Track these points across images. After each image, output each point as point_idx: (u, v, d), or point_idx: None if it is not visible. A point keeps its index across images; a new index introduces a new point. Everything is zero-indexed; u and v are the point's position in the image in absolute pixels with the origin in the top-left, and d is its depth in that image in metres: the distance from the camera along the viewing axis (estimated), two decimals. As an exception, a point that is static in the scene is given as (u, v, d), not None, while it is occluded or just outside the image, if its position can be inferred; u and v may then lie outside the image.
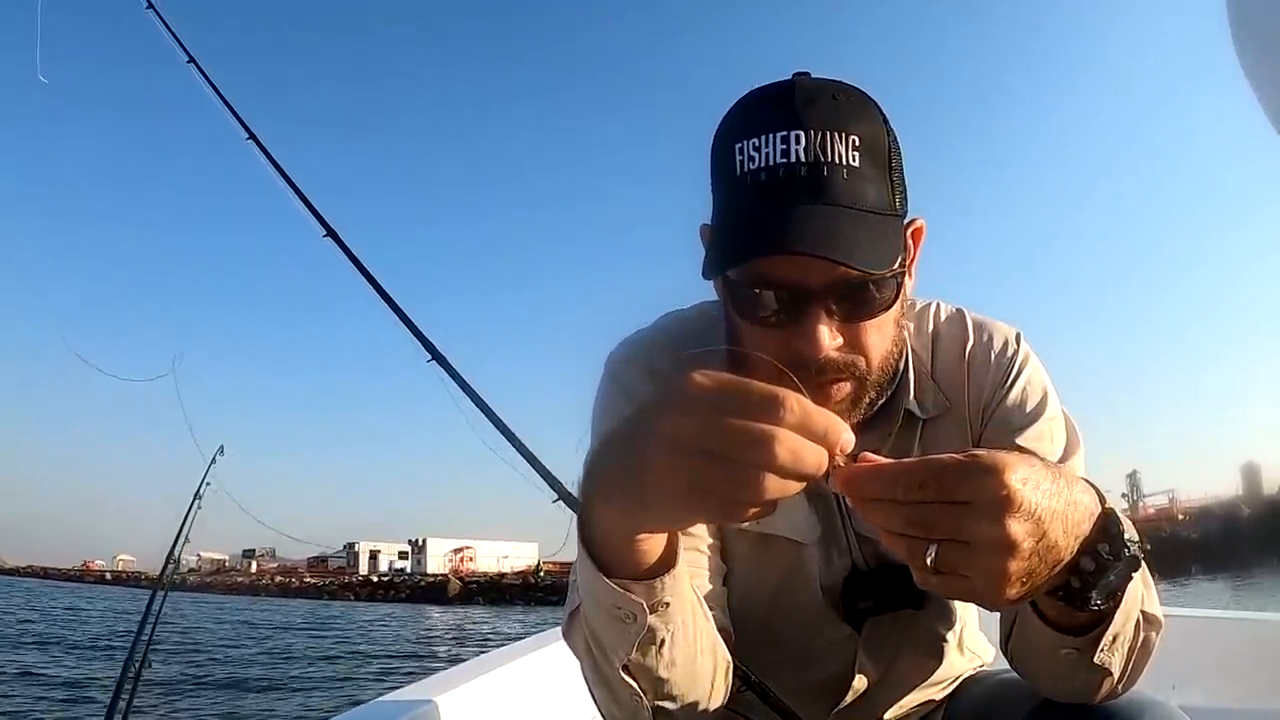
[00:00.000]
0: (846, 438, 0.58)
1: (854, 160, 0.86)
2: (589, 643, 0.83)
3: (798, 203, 0.84)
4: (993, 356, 1.08)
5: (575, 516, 0.94)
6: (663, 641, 0.79)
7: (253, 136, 1.50)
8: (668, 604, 0.76)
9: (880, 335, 0.92)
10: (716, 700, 0.91)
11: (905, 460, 0.61)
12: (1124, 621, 0.78)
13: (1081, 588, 0.69)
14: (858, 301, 0.88)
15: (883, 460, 0.61)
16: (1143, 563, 0.74)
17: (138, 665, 3.27)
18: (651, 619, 0.76)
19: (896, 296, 0.92)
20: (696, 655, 0.84)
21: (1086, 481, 0.70)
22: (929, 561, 0.61)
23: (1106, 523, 0.69)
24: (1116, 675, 0.83)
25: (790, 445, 0.56)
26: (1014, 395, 1.05)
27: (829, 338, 0.87)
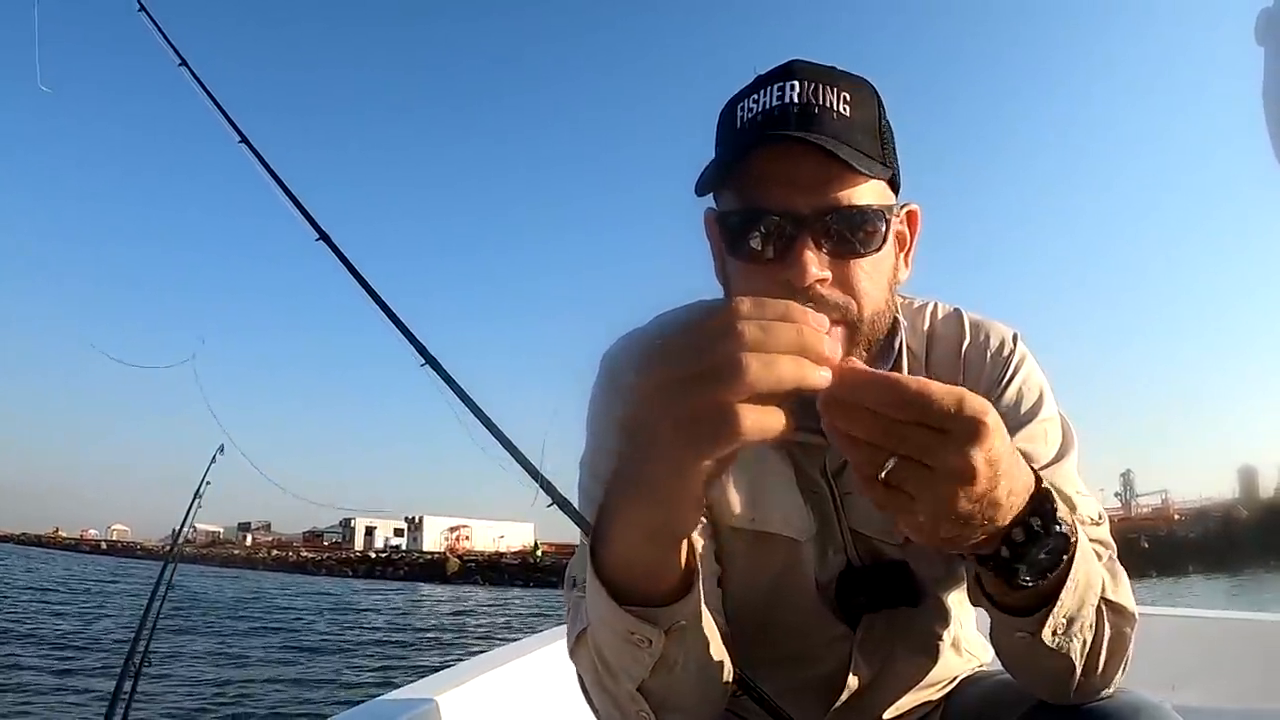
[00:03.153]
0: (816, 319, 0.58)
1: (844, 110, 0.90)
2: (596, 664, 0.84)
3: (790, 128, 0.88)
4: (989, 355, 1.08)
5: (582, 542, 0.94)
6: (675, 663, 0.80)
7: (245, 139, 1.49)
8: (683, 627, 0.78)
9: (871, 283, 0.92)
10: (719, 706, 0.92)
11: (897, 375, 0.62)
12: (1077, 605, 0.78)
13: (1010, 558, 0.71)
14: (846, 233, 0.89)
15: (872, 370, 0.62)
16: (1083, 547, 0.76)
17: (140, 656, 3.26)
18: (667, 642, 0.77)
19: (885, 239, 0.92)
20: (708, 671, 0.85)
21: (1026, 460, 0.72)
22: (883, 474, 0.62)
23: (1041, 499, 0.70)
24: (1079, 664, 0.82)
25: (753, 331, 0.56)
26: (1010, 394, 1.05)
27: (817, 265, 0.87)
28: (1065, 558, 0.73)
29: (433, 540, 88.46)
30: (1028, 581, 0.73)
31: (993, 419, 0.62)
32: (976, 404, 0.62)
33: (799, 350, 0.56)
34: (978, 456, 0.62)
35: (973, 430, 0.61)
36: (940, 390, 0.61)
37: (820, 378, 0.57)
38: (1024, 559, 0.71)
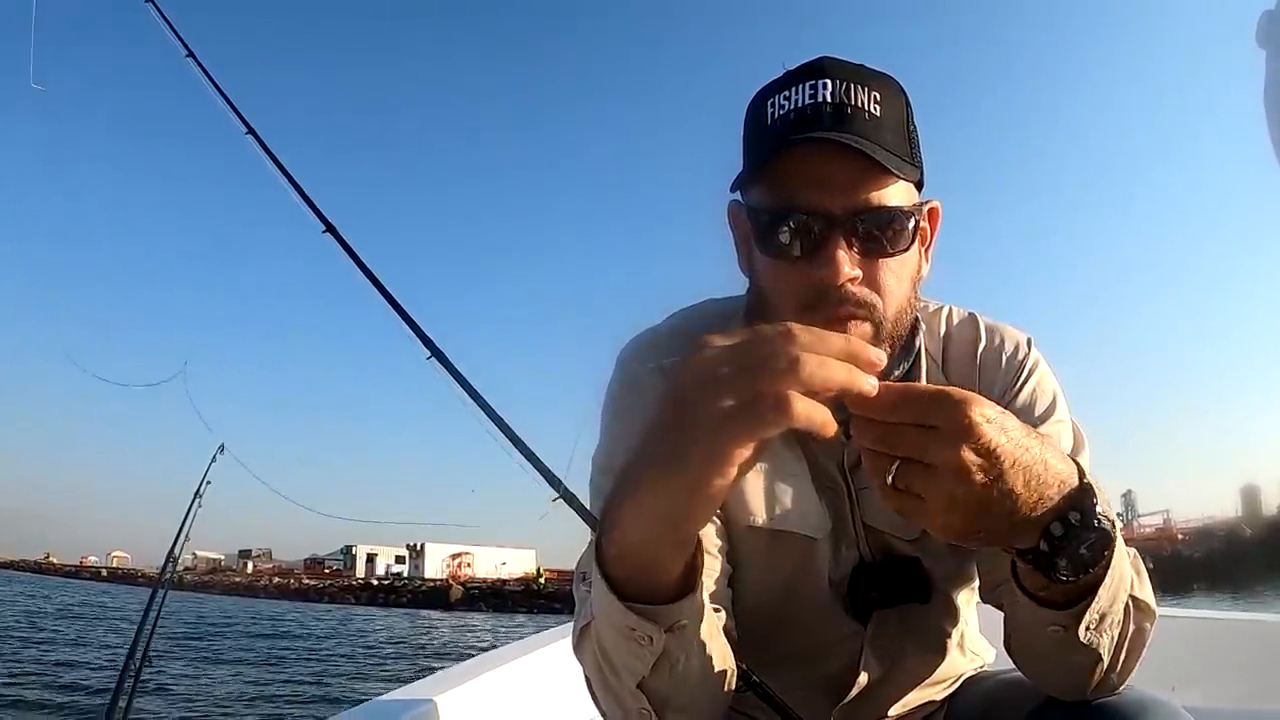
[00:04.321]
0: (866, 353, 0.62)
1: (875, 110, 0.91)
2: (599, 659, 0.84)
3: (823, 129, 0.90)
4: (1004, 359, 1.09)
5: (591, 537, 0.96)
6: (678, 661, 0.80)
7: (252, 131, 1.50)
8: (685, 625, 0.78)
9: (898, 281, 0.94)
10: (724, 705, 0.92)
11: (888, 384, 0.65)
12: (1110, 601, 0.78)
13: (1050, 553, 0.72)
14: (877, 232, 0.91)
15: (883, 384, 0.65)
16: (1119, 543, 0.76)
17: (138, 662, 3.24)
18: (668, 640, 0.77)
19: (913, 239, 0.95)
20: (711, 670, 0.86)
21: (1072, 459, 0.74)
22: (889, 479, 0.66)
23: (1081, 494, 0.72)
24: (1106, 659, 0.83)
25: (806, 335, 0.60)
26: (1024, 397, 1.07)
27: (848, 265, 0.89)
28: (1106, 553, 0.74)
29: (434, 567, 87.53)
30: (1066, 576, 0.73)
31: (979, 412, 0.65)
32: (956, 394, 0.65)
33: (848, 358, 0.60)
34: (967, 448, 0.65)
35: (957, 422, 0.64)
36: (920, 388, 0.66)
37: (868, 385, 0.61)
38: (1063, 553, 0.72)
